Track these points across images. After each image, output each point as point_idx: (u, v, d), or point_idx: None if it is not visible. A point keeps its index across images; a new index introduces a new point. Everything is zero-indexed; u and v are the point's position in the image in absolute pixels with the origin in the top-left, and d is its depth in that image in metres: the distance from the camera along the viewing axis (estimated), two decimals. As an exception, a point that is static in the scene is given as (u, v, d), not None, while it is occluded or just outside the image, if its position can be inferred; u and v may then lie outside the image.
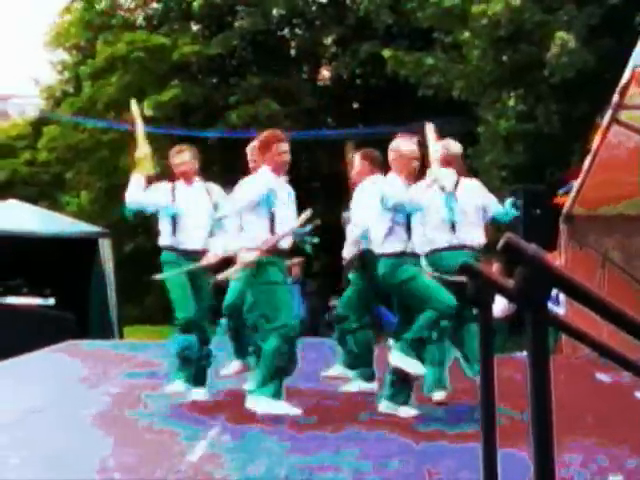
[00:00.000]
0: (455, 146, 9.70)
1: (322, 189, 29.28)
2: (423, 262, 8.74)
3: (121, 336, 19.87)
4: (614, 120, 12.02)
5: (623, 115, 11.91)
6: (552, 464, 2.78)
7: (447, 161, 9.31)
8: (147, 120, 28.67)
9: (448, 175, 9.11)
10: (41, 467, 6.54)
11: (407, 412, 8.28)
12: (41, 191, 32.51)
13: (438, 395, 8.93)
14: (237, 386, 9.55)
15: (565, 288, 2.71)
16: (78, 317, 18.68)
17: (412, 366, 8.32)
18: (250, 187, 8.70)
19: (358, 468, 6.39)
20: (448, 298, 8.32)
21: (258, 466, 6.38)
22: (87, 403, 8.96)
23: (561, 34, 19.65)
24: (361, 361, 10.10)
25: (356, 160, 10.24)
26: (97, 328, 19.19)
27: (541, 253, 2.68)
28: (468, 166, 22.26)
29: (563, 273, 2.73)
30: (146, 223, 14.89)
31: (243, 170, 9.50)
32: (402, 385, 8.41)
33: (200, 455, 6.75)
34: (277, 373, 8.40)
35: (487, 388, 3.90)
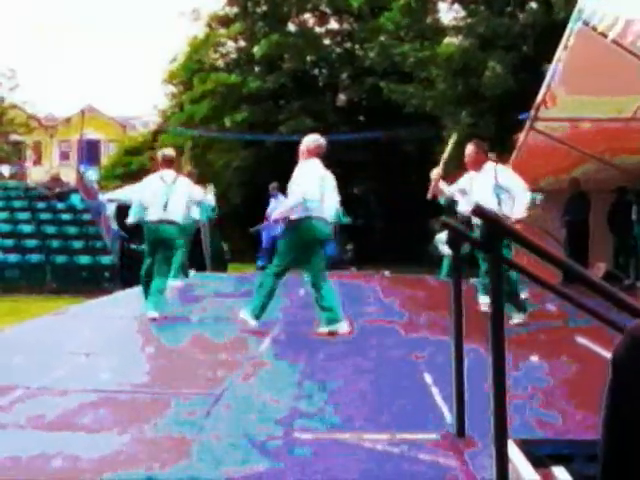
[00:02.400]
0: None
1: (341, 172, 29.71)
2: None
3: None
4: (531, 127, 12.02)
5: (537, 124, 11.91)
6: (503, 350, 2.77)
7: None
8: (226, 130, 28.97)
9: None
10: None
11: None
12: (158, 177, 32.52)
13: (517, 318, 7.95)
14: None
15: (512, 237, 2.68)
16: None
17: None
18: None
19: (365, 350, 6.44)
20: None
21: (302, 353, 6.42)
22: (184, 313, 8.84)
23: (492, 63, 20.05)
24: None
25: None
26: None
27: (497, 215, 2.66)
28: (436, 159, 22.36)
29: (510, 227, 2.71)
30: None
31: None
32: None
33: (266, 345, 6.79)
34: None
35: (457, 300, 3.89)
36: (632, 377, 1.77)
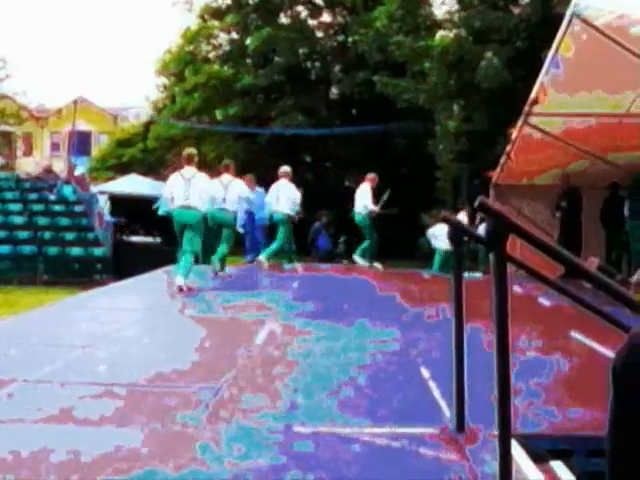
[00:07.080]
0: None
1: (332, 165, 29.97)
2: None
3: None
4: (525, 122, 12.03)
5: (531, 119, 11.92)
6: (508, 348, 2.77)
7: None
8: (218, 123, 28.88)
9: None
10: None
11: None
12: (150, 168, 32.42)
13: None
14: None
15: (517, 232, 2.68)
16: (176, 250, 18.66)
17: None
18: None
19: (362, 345, 6.43)
20: None
21: (298, 346, 6.41)
22: (180, 305, 8.79)
23: (488, 54, 20.09)
24: None
25: None
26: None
27: (502, 209, 2.65)
28: (428, 153, 22.37)
29: (515, 222, 2.70)
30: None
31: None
32: None
33: (263, 338, 6.77)
34: None
35: (458, 295, 3.89)
36: (633, 387, 1.73)
